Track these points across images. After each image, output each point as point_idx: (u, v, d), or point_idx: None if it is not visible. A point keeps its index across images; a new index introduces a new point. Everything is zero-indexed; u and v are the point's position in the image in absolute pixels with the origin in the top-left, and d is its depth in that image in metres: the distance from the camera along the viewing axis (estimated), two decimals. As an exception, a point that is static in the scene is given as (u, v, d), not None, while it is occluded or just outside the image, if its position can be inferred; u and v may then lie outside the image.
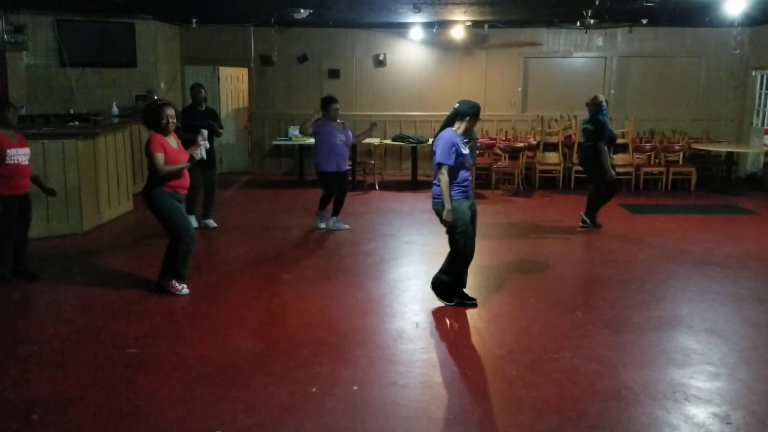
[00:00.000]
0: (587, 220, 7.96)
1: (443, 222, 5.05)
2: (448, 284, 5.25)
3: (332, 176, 7.64)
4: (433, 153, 5.07)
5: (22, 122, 8.26)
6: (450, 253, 5.21)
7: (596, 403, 3.72)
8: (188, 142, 5.69)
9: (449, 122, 5.08)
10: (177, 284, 5.47)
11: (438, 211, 5.08)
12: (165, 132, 5.28)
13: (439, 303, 5.33)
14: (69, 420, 3.50)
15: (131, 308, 5.19)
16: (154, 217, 5.44)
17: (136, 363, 4.19)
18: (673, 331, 4.83)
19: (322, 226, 7.90)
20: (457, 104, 5.09)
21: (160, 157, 5.15)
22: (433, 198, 5.11)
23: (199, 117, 7.49)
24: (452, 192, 4.98)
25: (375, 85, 12.04)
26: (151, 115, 5.29)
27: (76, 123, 8.30)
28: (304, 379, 3.97)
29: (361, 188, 10.81)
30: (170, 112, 5.27)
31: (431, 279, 5.36)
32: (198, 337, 4.63)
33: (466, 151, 5.03)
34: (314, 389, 3.85)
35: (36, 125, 7.99)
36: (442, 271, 5.26)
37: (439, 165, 4.94)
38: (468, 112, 5.04)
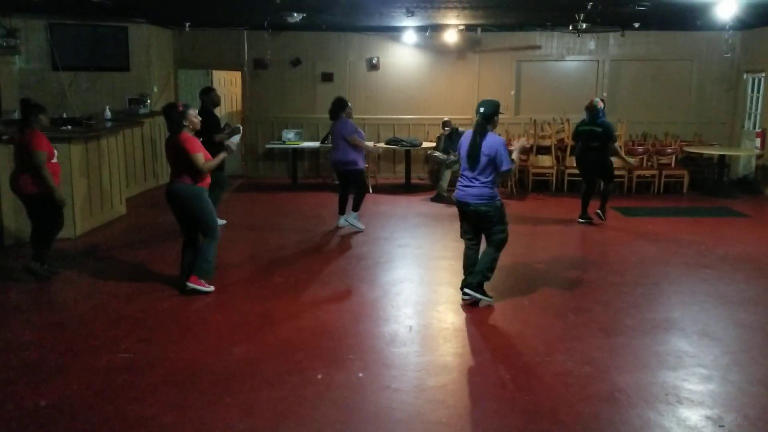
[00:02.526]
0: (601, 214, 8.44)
1: (493, 220, 5.22)
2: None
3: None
4: (479, 157, 5.07)
5: (15, 126, 8.25)
6: (491, 251, 5.29)
7: (589, 406, 3.73)
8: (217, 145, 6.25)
9: (485, 125, 5.12)
10: (205, 282, 5.60)
11: (487, 212, 5.18)
12: (192, 132, 5.48)
13: (431, 307, 5.35)
14: (60, 426, 3.48)
15: (124, 313, 5.17)
16: (175, 215, 5.58)
17: (128, 368, 4.18)
18: (665, 334, 4.85)
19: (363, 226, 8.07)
20: (482, 108, 5.12)
21: (200, 157, 5.35)
22: (481, 199, 5.16)
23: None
24: (495, 191, 5.20)
25: (368, 88, 12.05)
26: (177, 116, 5.39)
27: (69, 127, 8.27)
28: (298, 383, 3.97)
29: (355, 192, 10.81)
30: (195, 112, 5.57)
31: (471, 284, 5.31)
32: (191, 342, 4.62)
33: None
34: (308, 393, 3.84)
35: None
36: (487, 270, 5.30)
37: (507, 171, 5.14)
38: (497, 111, 5.17)
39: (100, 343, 4.59)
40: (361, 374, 4.06)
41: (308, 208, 9.45)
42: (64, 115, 9.38)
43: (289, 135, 11.48)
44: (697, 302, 5.55)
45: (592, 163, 8.32)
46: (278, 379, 4.02)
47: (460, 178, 5.32)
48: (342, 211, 8.09)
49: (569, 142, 11.02)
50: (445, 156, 10.20)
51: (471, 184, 5.18)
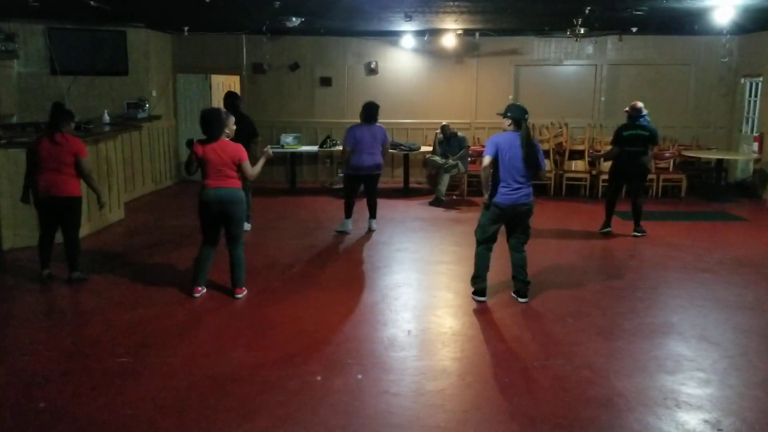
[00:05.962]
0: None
1: (531, 215, 5.55)
2: None
3: None
4: (534, 160, 5.33)
5: (13, 131, 8.27)
6: (524, 250, 5.61)
7: (588, 410, 3.73)
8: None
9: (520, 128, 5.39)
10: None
11: (532, 208, 5.52)
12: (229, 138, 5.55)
13: (430, 311, 5.36)
14: (59, 431, 3.48)
15: (122, 317, 5.17)
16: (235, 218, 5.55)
17: (127, 372, 4.17)
18: (663, 338, 4.85)
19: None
20: (526, 114, 5.42)
21: (249, 164, 5.49)
22: (532, 196, 5.50)
23: None
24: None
25: (367, 92, 12.00)
26: (222, 122, 5.41)
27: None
28: (296, 387, 3.97)
29: (354, 196, 10.81)
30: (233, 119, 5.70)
31: (522, 291, 5.61)
32: (189, 347, 4.62)
33: None
34: (306, 397, 3.84)
35: (27, 133, 7.97)
36: (525, 270, 5.61)
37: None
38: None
39: (97, 347, 4.58)
40: (360, 376, 4.08)
41: (306, 212, 9.45)
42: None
43: (288, 139, 11.48)
44: (696, 306, 5.55)
45: (635, 168, 8.01)
46: (277, 384, 4.02)
47: (506, 184, 5.34)
48: (373, 215, 8.28)
49: (567, 146, 11.08)
50: (443, 160, 10.21)
51: (521, 184, 5.37)
